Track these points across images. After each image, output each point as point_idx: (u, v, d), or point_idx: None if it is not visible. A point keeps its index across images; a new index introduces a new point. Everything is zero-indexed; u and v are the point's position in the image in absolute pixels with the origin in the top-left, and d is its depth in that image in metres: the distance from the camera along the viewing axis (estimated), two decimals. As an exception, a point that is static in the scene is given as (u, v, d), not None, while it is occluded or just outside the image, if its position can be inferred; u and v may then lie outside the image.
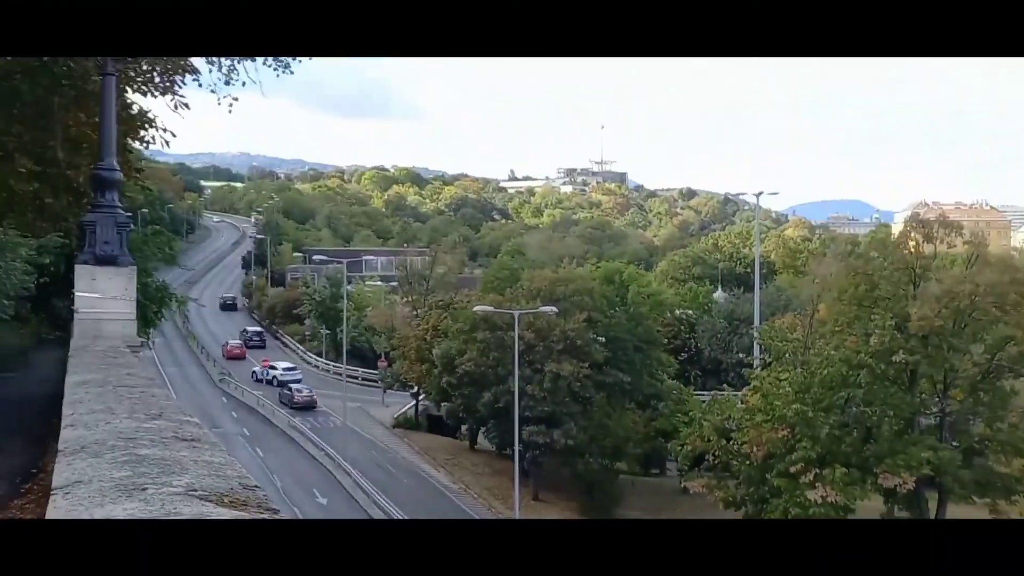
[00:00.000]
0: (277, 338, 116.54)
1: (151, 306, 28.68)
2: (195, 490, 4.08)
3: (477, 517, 53.26)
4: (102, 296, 13.38)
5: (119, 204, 13.58)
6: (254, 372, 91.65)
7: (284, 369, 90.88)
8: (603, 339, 61.79)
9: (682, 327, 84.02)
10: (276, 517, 3.89)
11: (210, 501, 3.93)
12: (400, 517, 49.88)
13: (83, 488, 4.15)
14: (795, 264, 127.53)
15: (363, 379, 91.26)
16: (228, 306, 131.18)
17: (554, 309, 54.12)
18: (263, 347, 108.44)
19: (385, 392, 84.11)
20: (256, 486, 4.31)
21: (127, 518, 3.68)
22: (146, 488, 4.07)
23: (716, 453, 47.82)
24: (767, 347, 55.05)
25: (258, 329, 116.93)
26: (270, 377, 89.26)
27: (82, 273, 13.30)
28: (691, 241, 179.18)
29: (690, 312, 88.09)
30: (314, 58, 16.27)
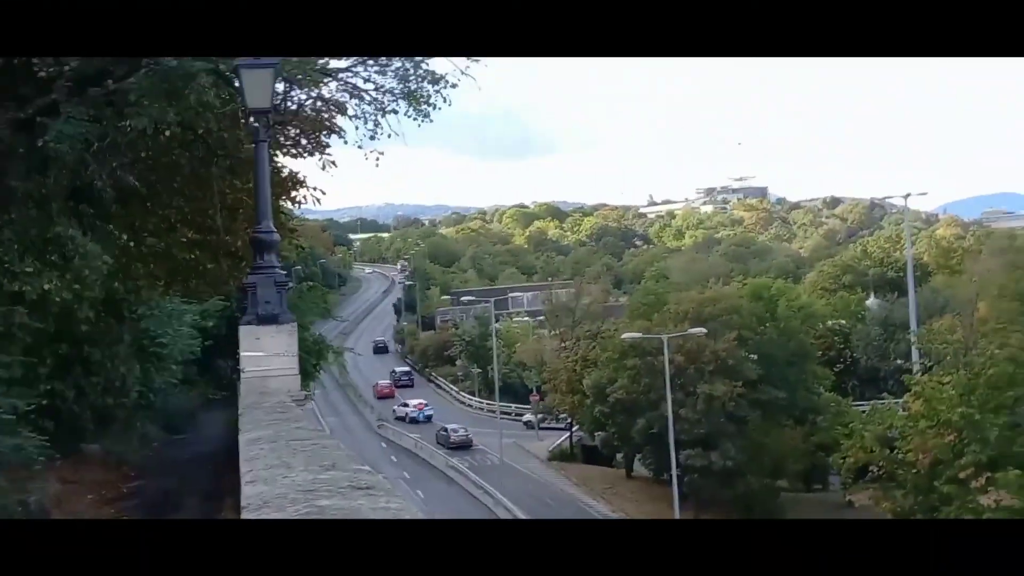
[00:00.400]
0: (431, 380, 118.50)
1: (310, 359, 29.87)
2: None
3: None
4: (266, 354, 14.08)
5: (277, 264, 14.35)
6: (394, 409, 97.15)
7: (414, 405, 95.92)
8: (755, 356, 60.93)
9: (836, 338, 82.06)
10: (274, 518, 4.02)
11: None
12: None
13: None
14: (950, 264, 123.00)
15: (516, 415, 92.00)
16: (380, 349, 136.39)
17: (703, 330, 53.75)
18: (411, 386, 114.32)
19: (539, 426, 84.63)
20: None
21: (127, 518, 3.86)
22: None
23: (880, 463, 46.47)
24: (926, 351, 53.42)
25: (406, 369, 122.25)
26: (402, 414, 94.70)
27: (246, 333, 14.05)
28: (839, 250, 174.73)
29: (843, 322, 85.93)
30: (450, 106, 16.88)
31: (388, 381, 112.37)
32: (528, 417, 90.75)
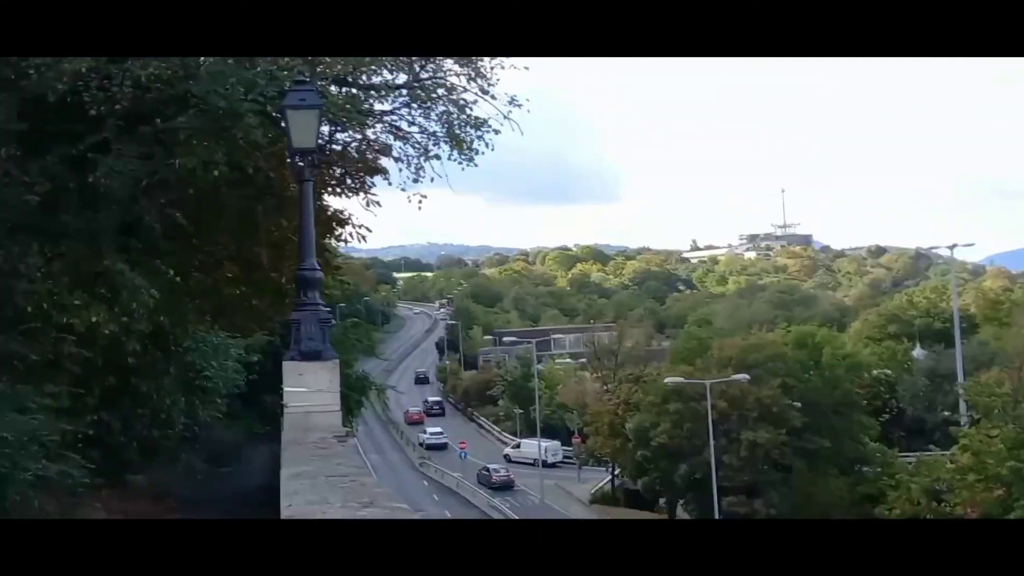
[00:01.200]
0: (473, 420, 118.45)
1: (353, 395, 30.01)
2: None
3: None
4: (309, 390, 14.15)
5: (320, 301, 14.45)
6: (420, 437, 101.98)
7: (431, 433, 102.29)
8: (799, 404, 60.27)
9: (881, 387, 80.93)
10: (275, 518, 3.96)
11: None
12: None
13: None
14: (997, 316, 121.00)
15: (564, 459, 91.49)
16: (421, 380, 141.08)
17: (747, 377, 53.31)
18: (442, 415, 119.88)
19: (580, 468, 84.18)
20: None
21: (127, 518, 3.83)
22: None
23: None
24: (974, 403, 52.52)
25: (438, 399, 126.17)
26: (422, 440, 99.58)
27: (290, 369, 14.14)
28: (884, 299, 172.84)
29: (888, 372, 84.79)
30: (493, 151, 16.98)
31: (419, 408, 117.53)
32: (506, 451, 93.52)
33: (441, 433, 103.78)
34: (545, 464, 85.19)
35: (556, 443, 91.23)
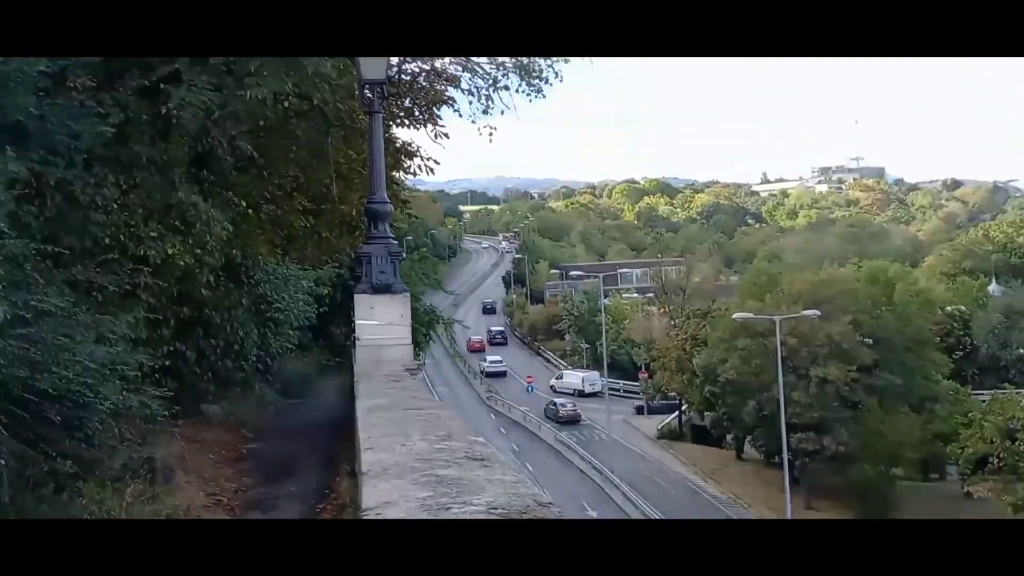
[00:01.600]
0: (539, 353, 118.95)
1: (421, 329, 30.16)
2: (495, 508, 4.16)
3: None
4: (380, 323, 14.20)
5: (390, 234, 14.44)
6: (480, 365, 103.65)
7: (491, 361, 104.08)
8: (870, 341, 59.58)
9: (955, 324, 79.61)
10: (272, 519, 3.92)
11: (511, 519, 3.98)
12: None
13: (392, 509, 4.28)
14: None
15: (624, 391, 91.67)
16: (488, 310, 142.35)
17: (817, 313, 52.73)
18: (504, 344, 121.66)
19: (647, 405, 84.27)
20: (550, 503, 4.38)
21: (128, 518, 3.81)
22: (449, 508, 4.18)
23: (1000, 455, 45.18)
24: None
25: (500, 328, 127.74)
26: (482, 368, 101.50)
27: (361, 302, 14.18)
28: (959, 234, 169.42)
29: (963, 308, 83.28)
30: (561, 81, 16.73)
31: (480, 336, 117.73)
32: (552, 382, 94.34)
33: (500, 361, 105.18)
34: (583, 394, 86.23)
35: (595, 374, 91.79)
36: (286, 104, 14.75)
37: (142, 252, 12.94)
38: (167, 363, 14.29)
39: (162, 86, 13.08)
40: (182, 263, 13.52)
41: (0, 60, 9.67)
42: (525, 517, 4.01)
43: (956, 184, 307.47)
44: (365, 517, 4.28)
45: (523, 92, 16.98)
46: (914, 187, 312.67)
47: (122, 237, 12.76)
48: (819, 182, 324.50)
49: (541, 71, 16.53)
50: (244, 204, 16.16)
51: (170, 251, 13.21)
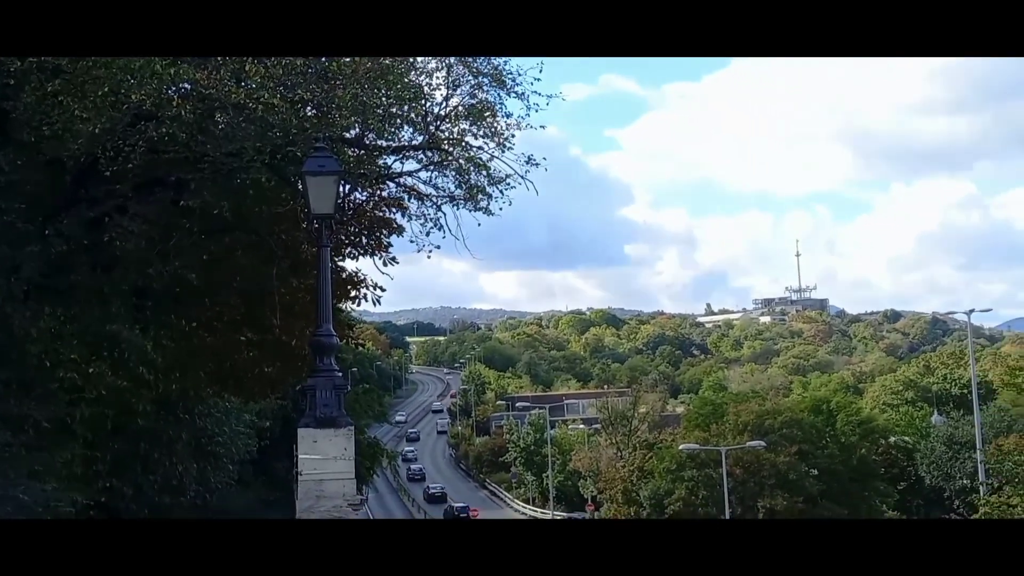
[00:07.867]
0: (485, 487, 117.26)
1: (364, 462, 29.76)
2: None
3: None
4: (324, 457, 13.98)
5: (336, 367, 14.30)
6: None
7: (431, 484, 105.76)
8: (816, 472, 59.62)
9: (899, 454, 79.96)
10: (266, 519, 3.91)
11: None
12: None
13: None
14: (1016, 382, 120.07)
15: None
16: (412, 438, 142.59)
17: (763, 443, 52.75)
18: (416, 439, 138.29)
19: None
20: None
21: (126, 518, 3.77)
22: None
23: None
24: (994, 471, 51.84)
25: (420, 466, 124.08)
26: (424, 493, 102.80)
27: (304, 436, 13.96)
28: (900, 365, 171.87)
29: (907, 439, 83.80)
30: (511, 205, 16.78)
31: (420, 466, 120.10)
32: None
33: (441, 485, 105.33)
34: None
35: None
36: (228, 240, 14.74)
37: (77, 382, 12.69)
38: (103, 499, 13.89)
39: (107, 218, 13.04)
40: (117, 396, 13.26)
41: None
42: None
43: (896, 316, 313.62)
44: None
45: (469, 210, 16.93)
46: (855, 319, 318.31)
47: (60, 372, 12.53)
48: (762, 314, 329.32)
49: (489, 195, 16.55)
50: (187, 330, 15.97)
51: (105, 383, 12.96)
